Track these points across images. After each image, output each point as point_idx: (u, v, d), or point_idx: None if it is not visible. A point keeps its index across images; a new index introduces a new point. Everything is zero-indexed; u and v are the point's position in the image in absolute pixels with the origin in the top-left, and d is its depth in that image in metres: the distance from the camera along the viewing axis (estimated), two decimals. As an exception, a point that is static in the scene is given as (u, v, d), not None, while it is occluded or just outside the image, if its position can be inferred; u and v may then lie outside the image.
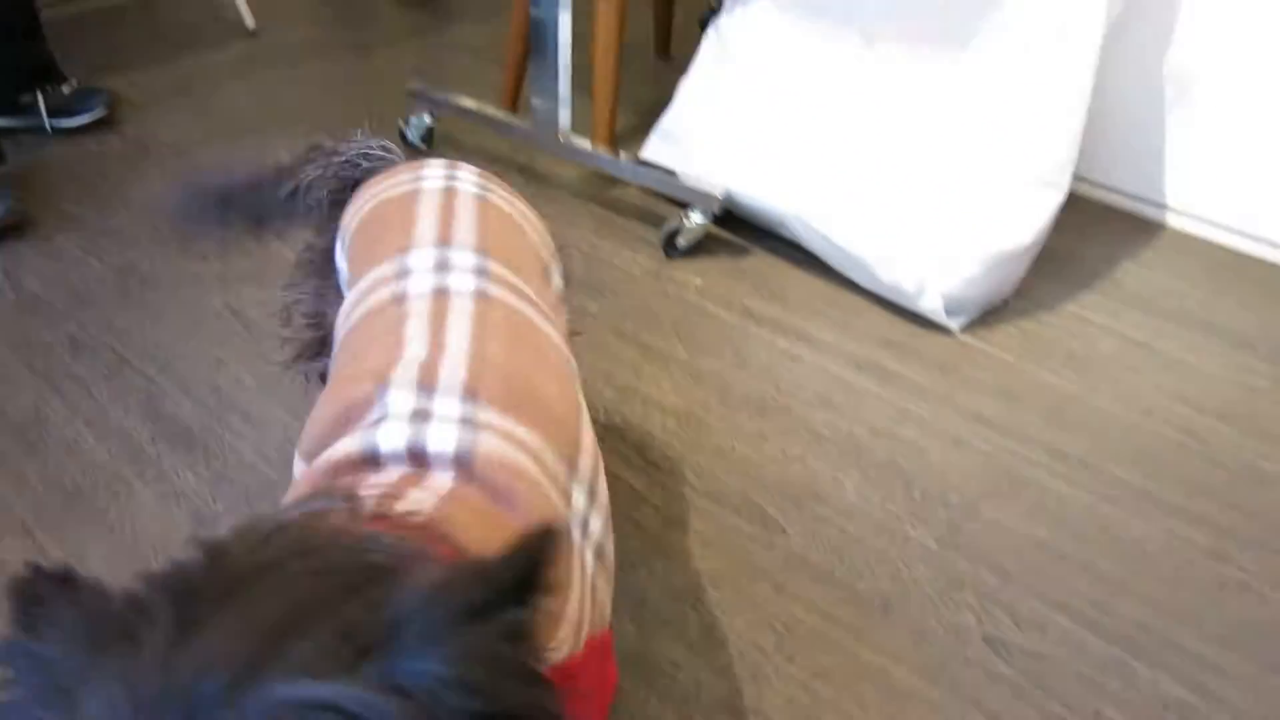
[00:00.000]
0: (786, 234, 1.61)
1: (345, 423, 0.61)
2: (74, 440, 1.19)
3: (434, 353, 0.63)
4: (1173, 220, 1.76)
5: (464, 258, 0.70)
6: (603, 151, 1.70)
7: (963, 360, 1.40)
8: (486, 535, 0.50)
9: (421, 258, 0.70)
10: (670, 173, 1.63)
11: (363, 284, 0.72)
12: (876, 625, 1.02)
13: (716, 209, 1.58)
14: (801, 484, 1.18)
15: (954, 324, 1.45)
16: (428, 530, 0.49)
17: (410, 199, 0.76)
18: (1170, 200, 1.76)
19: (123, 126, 1.90)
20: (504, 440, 0.59)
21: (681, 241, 1.59)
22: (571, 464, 0.64)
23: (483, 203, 0.78)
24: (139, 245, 1.56)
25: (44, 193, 1.67)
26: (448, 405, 0.59)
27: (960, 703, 0.95)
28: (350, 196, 0.84)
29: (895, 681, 0.96)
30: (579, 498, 0.63)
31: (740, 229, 1.65)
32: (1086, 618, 1.03)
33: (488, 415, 0.60)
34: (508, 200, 0.82)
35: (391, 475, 0.56)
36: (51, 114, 1.82)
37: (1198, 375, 1.39)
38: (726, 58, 1.68)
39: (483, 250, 0.72)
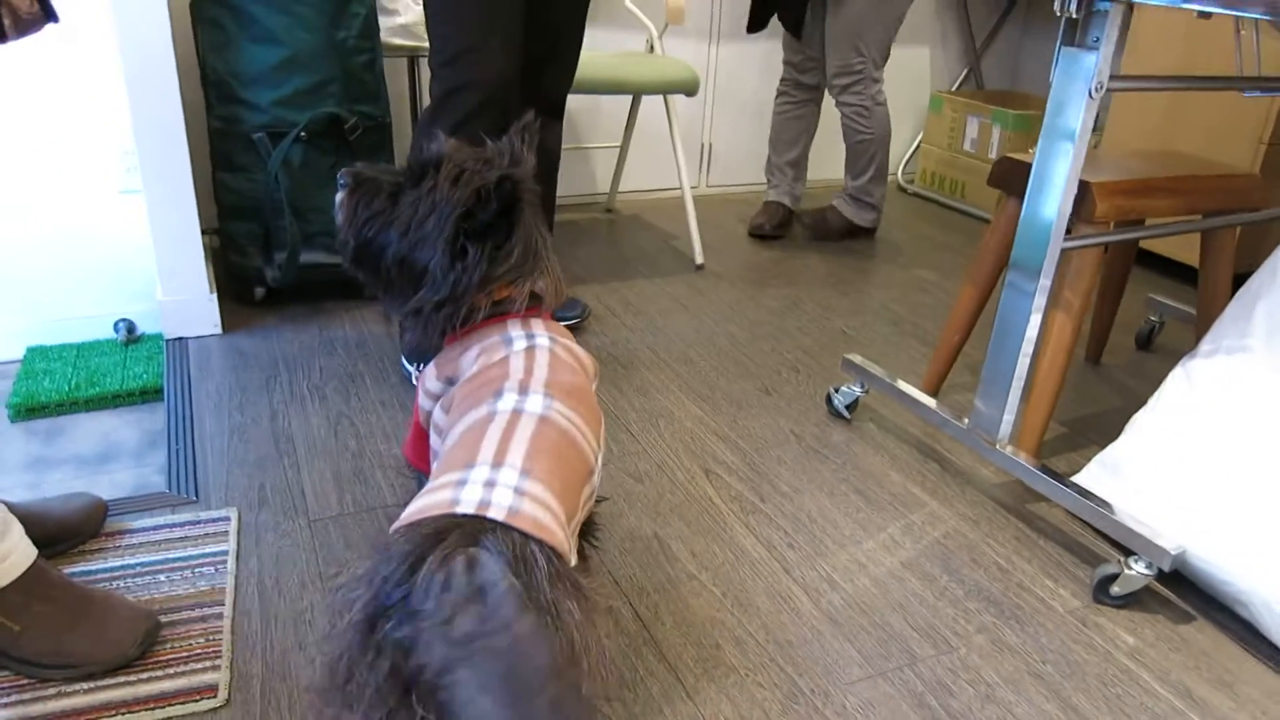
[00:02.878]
0: (1245, 615, 1.40)
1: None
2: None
3: None
4: None
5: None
6: (1038, 468, 1.61)
7: None
8: None
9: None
10: (1108, 507, 1.51)
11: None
12: None
13: (1166, 565, 1.42)
14: None
15: None
16: None
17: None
18: None
19: (583, 334, 2.14)
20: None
21: (1117, 590, 1.44)
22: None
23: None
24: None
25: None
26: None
27: None
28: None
29: None
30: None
31: (1185, 591, 1.47)
32: None
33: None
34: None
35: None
36: None
37: None
38: (1194, 403, 1.55)
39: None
